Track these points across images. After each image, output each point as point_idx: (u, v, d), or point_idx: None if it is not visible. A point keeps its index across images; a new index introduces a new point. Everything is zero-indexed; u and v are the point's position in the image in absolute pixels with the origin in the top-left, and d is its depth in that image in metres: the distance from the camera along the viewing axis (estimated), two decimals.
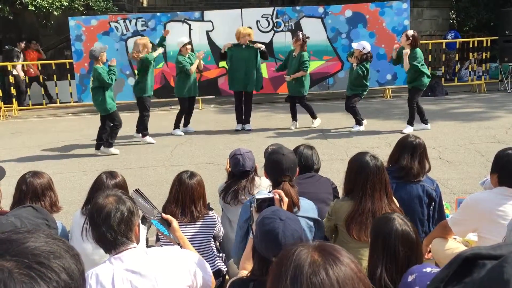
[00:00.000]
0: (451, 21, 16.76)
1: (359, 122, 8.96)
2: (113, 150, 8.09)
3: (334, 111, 10.89)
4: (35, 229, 0.90)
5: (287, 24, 12.23)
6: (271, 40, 12.19)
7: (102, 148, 8.07)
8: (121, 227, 2.05)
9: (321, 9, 12.29)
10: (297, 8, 12.58)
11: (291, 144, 3.55)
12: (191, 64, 9.22)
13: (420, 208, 3.53)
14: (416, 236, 2.33)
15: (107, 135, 8.08)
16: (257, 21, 12.19)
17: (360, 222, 2.93)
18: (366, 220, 2.91)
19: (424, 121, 8.61)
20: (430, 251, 3.37)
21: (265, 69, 12.30)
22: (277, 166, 2.87)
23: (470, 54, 14.19)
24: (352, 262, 1.16)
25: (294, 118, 9.44)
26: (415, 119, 8.57)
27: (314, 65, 12.34)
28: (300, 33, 9.30)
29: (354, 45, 8.93)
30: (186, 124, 9.59)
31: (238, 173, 3.61)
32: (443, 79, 13.97)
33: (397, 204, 3.12)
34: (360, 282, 1.14)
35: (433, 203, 3.60)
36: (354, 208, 2.98)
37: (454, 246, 3.25)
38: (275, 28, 12.22)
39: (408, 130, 8.22)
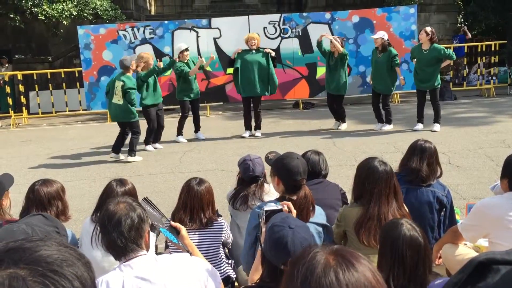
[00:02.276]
0: (458, 25, 16.69)
1: (389, 121, 9.19)
2: (137, 157, 8.17)
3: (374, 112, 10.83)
4: (47, 237, 0.91)
5: (294, 31, 12.26)
6: (278, 46, 12.23)
7: (128, 157, 8.09)
8: (131, 234, 2.06)
9: (328, 15, 12.31)
10: (304, 14, 12.62)
11: (298, 149, 3.55)
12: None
13: (430, 214, 3.51)
14: (425, 241, 2.31)
15: (131, 144, 8.11)
16: (264, 27, 12.23)
17: (369, 227, 2.92)
18: (375, 225, 2.90)
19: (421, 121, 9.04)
20: (440, 257, 3.35)
21: None
22: (294, 170, 2.86)
23: (479, 58, 14.13)
24: (369, 271, 1.12)
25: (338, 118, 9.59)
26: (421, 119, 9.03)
27: (321, 71, 12.35)
28: (336, 37, 9.53)
29: (374, 36, 9.19)
30: (197, 129, 9.54)
31: (248, 178, 3.61)
32: (451, 83, 13.91)
33: (407, 210, 3.10)
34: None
35: (444, 209, 3.58)
36: (363, 214, 2.97)
37: (465, 252, 3.22)
38: (282, 35, 12.25)
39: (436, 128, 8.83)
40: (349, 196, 3.53)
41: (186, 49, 9.25)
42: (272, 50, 10.70)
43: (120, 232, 2.05)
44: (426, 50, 8.66)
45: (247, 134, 9.38)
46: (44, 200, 3.17)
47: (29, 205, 3.17)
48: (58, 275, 0.81)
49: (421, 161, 3.54)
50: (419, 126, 9.00)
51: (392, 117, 9.28)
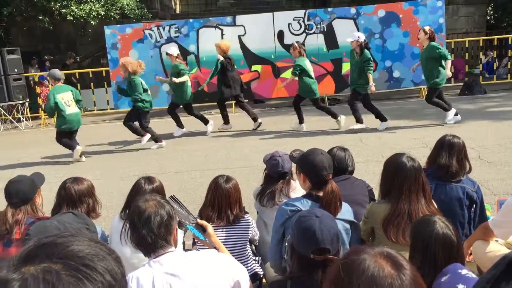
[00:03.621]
0: (488, 17, 16.30)
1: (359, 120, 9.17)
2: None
3: (368, 112, 10.74)
4: (77, 233, 0.93)
5: (319, 26, 12.19)
6: (303, 42, 12.16)
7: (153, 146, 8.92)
8: (160, 231, 2.09)
9: (353, 10, 12.19)
10: (329, 9, 12.52)
11: (324, 146, 3.53)
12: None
13: (461, 211, 3.45)
14: (458, 239, 2.27)
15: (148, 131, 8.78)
16: (288, 24, 12.20)
17: (397, 224, 2.89)
18: (404, 222, 2.86)
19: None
20: (471, 254, 3.28)
21: None
22: (320, 165, 2.86)
23: (510, 51, 13.77)
24: (412, 267, 1.22)
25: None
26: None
27: (347, 67, 12.23)
28: (295, 42, 9.73)
29: (349, 39, 9.15)
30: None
31: (277, 175, 3.61)
32: (481, 77, 13.60)
33: (436, 206, 3.05)
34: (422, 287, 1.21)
35: (474, 205, 3.50)
36: (391, 211, 2.93)
37: (496, 248, 3.15)
38: (307, 31, 12.19)
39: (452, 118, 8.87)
40: (376, 193, 3.49)
41: (178, 55, 9.70)
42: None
43: (150, 229, 2.08)
44: (424, 48, 8.86)
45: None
46: (75, 198, 3.24)
47: (60, 202, 3.25)
48: (90, 269, 0.83)
49: (450, 157, 3.48)
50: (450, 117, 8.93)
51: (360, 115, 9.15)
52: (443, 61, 8.62)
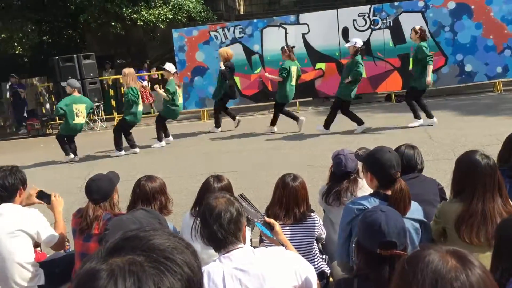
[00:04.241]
0: None
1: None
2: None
3: (438, 108, 10.36)
4: (158, 228, 1.00)
5: (385, 21, 11.91)
6: (369, 38, 11.94)
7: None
8: (230, 227, 2.16)
9: (421, 3, 11.79)
10: (396, 3, 12.18)
11: (391, 144, 3.45)
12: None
13: None
14: None
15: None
16: (353, 20, 12.02)
17: (471, 224, 2.78)
18: (478, 222, 2.75)
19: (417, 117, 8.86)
20: None
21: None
22: (388, 164, 2.81)
23: None
24: (482, 266, 1.20)
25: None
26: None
27: None
28: (285, 46, 10.10)
29: (347, 44, 9.25)
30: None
31: (340, 174, 3.59)
32: None
33: None
34: (492, 286, 1.19)
35: None
36: (465, 210, 2.82)
37: None
38: (372, 26, 11.96)
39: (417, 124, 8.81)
40: (447, 192, 3.38)
41: (176, 72, 10.15)
42: (363, 42, 10.63)
43: (220, 224, 2.15)
44: (414, 47, 8.94)
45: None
46: (149, 195, 3.39)
47: (135, 199, 3.42)
48: (170, 261, 0.89)
49: None
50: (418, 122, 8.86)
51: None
52: (428, 67, 8.56)
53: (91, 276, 0.87)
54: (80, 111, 9.16)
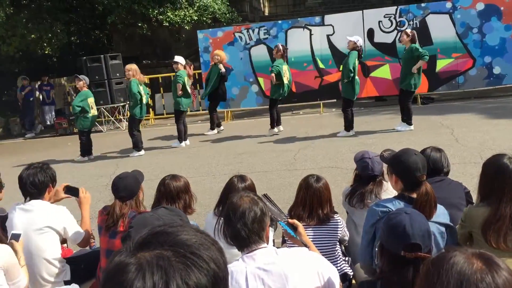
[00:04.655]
0: None
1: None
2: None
3: (466, 111, 10.20)
4: (185, 224, 1.02)
5: (411, 23, 11.77)
6: (394, 40, 11.81)
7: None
8: (254, 226, 2.17)
9: (449, 4, 11.61)
10: (423, 5, 12.02)
11: (417, 147, 3.41)
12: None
13: None
14: None
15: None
16: (379, 21, 11.91)
17: (498, 229, 2.73)
18: (506, 227, 2.70)
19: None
20: None
21: (388, 71, 11.99)
22: (414, 166, 2.79)
23: None
24: (509, 269, 1.18)
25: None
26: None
27: (442, 64, 11.72)
28: (279, 44, 10.25)
29: (349, 38, 9.36)
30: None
31: (366, 177, 3.56)
32: None
33: None
34: None
35: None
36: (492, 214, 2.77)
37: None
38: (398, 28, 11.83)
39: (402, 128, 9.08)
40: (474, 196, 3.32)
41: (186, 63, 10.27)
42: (387, 44, 10.56)
43: (244, 223, 2.16)
44: (405, 50, 9.03)
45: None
46: (173, 194, 3.43)
47: (160, 197, 3.46)
48: (196, 257, 0.91)
49: None
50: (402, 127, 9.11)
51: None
52: (420, 61, 8.66)
53: (120, 269, 0.89)
54: (92, 103, 9.68)
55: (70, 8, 16.70)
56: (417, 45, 8.83)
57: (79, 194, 3.88)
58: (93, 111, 9.77)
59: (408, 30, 9.08)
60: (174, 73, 10.43)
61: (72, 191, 3.90)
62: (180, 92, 9.82)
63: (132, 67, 9.56)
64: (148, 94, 10.21)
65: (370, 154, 3.60)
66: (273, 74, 9.63)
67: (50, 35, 15.98)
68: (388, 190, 3.47)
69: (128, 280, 0.86)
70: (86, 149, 9.85)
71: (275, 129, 10.11)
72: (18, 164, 9.46)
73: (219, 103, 11.22)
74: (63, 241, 3.83)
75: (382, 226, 2.19)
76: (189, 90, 10.12)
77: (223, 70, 10.46)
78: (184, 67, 10.10)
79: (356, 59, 9.01)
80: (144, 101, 9.58)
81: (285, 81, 9.82)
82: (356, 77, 9.12)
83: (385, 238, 2.11)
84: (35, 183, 3.54)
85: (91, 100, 9.69)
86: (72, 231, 3.60)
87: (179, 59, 10.13)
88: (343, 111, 9.35)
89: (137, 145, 9.72)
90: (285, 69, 9.84)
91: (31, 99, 15.46)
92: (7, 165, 9.70)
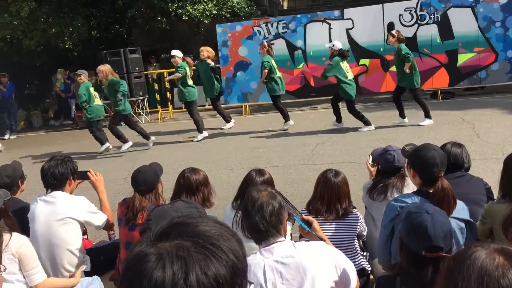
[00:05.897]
0: None
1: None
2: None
3: (487, 106, 10.03)
4: (204, 215, 1.03)
5: (432, 16, 11.60)
6: (415, 34, 11.67)
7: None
8: (272, 219, 2.17)
9: None
10: None
11: (437, 142, 3.38)
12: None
13: None
14: None
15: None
16: (399, 15, 11.77)
17: None
18: None
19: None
20: None
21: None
22: (431, 162, 2.76)
23: None
24: None
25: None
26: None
27: (463, 58, 11.55)
28: (264, 41, 10.35)
29: (327, 45, 9.53)
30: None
31: (392, 169, 3.54)
32: None
33: None
34: None
35: None
36: None
37: None
38: (419, 22, 11.67)
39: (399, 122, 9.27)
40: (495, 192, 3.27)
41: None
42: (408, 38, 10.43)
43: (262, 216, 2.17)
44: (395, 50, 9.11)
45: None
46: (193, 186, 3.45)
47: (179, 190, 3.48)
48: (216, 248, 0.91)
49: None
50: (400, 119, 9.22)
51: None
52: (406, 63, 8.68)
53: (140, 259, 0.90)
54: (95, 93, 9.69)
55: (90, 2, 16.86)
56: (402, 45, 8.83)
57: (90, 178, 3.91)
58: (97, 101, 9.69)
59: (393, 31, 9.12)
60: (192, 66, 10.50)
61: (81, 174, 3.91)
62: (175, 77, 9.88)
63: (105, 68, 9.54)
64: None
65: (393, 147, 3.60)
66: (265, 71, 9.56)
67: (70, 29, 16.15)
68: (409, 185, 3.44)
69: (148, 269, 0.87)
70: (101, 138, 9.78)
71: (291, 121, 10.02)
72: (39, 157, 9.62)
73: (219, 97, 11.11)
74: (83, 232, 3.89)
75: (402, 223, 2.17)
76: (189, 81, 10.15)
77: (212, 64, 10.45)
78: (183, 59, 10.11)
79: (341, 63, 8.99)
80: (99, 102, 9.71)
81: (278, 74, 9.83)
82: (350, 78, 9.13)
83: (406, 236, 2.09)
84: (55, 175, 3.60)
85: (91, 90, 9.60)
86: (95, 217, 3.66)
87: (176, 52, 10.18)
88: (349, 112, 9.30)
89: (146, 137, 9.85)
90: (274, 64, 9.85)
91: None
92: (29, 157, 9.88)
